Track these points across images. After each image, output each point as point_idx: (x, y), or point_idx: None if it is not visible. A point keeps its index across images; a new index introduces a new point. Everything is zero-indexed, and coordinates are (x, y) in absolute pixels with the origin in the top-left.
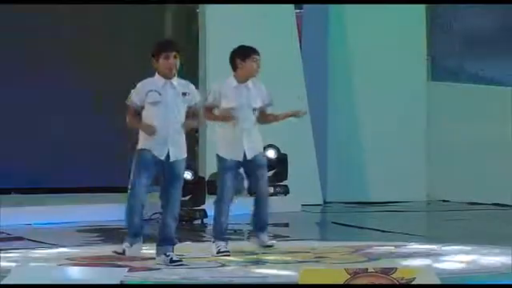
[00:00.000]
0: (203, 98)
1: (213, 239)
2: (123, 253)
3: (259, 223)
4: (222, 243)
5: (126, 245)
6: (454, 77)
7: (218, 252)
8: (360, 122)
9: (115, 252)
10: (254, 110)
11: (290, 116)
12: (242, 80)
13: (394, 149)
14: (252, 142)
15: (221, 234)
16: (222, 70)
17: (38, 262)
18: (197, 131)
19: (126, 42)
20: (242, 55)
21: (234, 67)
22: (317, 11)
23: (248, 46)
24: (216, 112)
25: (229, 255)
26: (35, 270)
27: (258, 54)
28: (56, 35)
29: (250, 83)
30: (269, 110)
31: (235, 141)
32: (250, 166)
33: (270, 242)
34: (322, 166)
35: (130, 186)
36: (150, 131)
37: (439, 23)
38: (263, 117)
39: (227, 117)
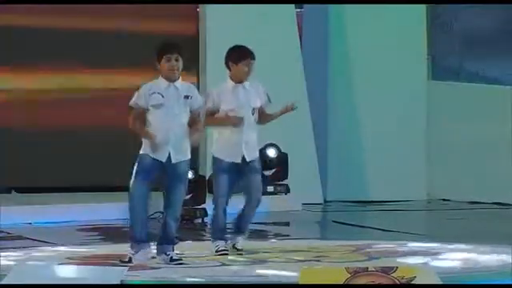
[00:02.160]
0: (203, 103)
1: (212, 239)
2: (129, 261)
3: (241, 226)
4: (221, 242)
5: (130, 252)
6: (454, 76)
7: (217, 251)
8: (360, 121)
9: (121, 260)
10: (253, 109)
11: (286, 112)
12: (236, 81)
13: (394, 148)
14: (251, 145)
15: (219, 233)
16: (222, 70)
17: (38, 261)
18: None
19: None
20: (236, 57)
21: (228, 68)
22: (317, 10)
23: (244, 48)
24: (218, 115)
25: (227, 254)
26: (35, 269)
27: (253, 58)
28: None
29: (246, 83)
30: (268, 109)
31: (234, 142)
32: (245, 169)
33: (240, 246)
34: (322, 164)
35: (130, 191)
36: (151, 139)
37: (439, 23)
38: (263, 117)
39: (234, 121)
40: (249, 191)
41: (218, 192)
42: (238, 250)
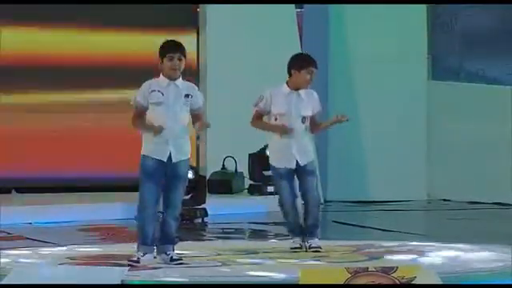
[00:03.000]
0: (202, 104)
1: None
2: (138, 261)
3: (306, 228)
4: (297, 239)
5: (139, 254)
6: (455, 76)
7: (291, 248)
8: (360, 121)
9: (130, 260)
10: (304, 118)
11: (336, 123)
12: (293, 88)
13: (394, 148)
14: (302, 150)
15: (292, 232)
16: (222, 70)
17: (39, 261)
18: (198, 137)
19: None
20: (299, 65)
21: (289, 74)
22: (317, 11)
23: (307, 56)
24: (271, 121)
25: (298, 251)
26: (36, 269)
27: (316, 66)
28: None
29: (302, 91)
30: (318, 118)
31: (285, 150)
32: (300, 171)
33: (314, 244)
34: (322, 164)
35: (138, 196)
36: (156, 131)
37: (440, 23)
38: (314, 126)
39: (283, 131)
40: (304, 194)
41: (282, 198)
42: (315, 247)
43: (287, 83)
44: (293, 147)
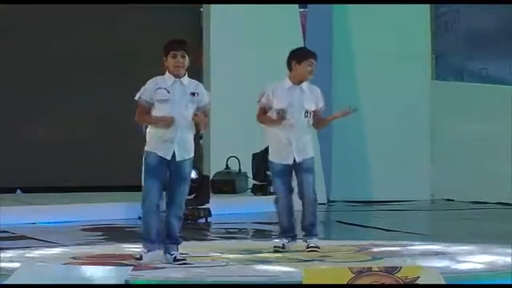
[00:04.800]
0: (209, 102)
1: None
2: (140, 258)
3: (305, 227)
4: (284, 240)
5: (143, 250)
6: (459, 76)
7: (275, 247)
8: (364, 121)
9: (135, 258)
10: (307, 112)
11: (341, 116)
12: (295, 82)
13: (398, 147)
14: (301, 147)
15: (283, 232)
16: (226, 69)
17: (42, 261)
18: (201, 137)
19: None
20: (299, 57)
21: (290, 68)
22: (321, 10)
23: (306, 49)
24: (269, 114)
25: (280, 252)
26: (39, 269)
27: (316, 58)
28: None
29: (304, 85)
30: (322, 114)
31: (283, 144)
32: (297, 168)
33: (312, 244)
34: (326, 164)
35: (142, 191)
36: (167, 123)
37: (443, 22)
38: (318, 122)
39: (278, 119)
40: (301, 191)
41: (277, 194)
42: (313, 247)
43: (289, 78)
44: (292, 143)
